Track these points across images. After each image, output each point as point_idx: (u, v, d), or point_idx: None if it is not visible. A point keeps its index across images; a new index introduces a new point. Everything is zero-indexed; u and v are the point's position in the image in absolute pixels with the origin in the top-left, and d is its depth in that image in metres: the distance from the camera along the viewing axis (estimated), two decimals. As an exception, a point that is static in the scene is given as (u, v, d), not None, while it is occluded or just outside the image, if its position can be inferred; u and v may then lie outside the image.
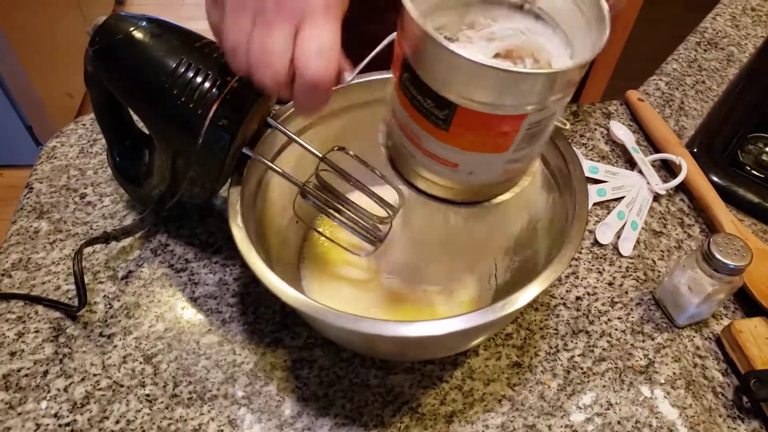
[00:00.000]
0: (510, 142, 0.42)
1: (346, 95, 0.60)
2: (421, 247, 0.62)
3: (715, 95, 0.82)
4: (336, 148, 0.57)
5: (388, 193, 0.58)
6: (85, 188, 0.68)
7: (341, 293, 0.60)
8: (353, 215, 0.57)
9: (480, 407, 0.56)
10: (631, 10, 1.22)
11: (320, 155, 0.56)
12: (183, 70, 0.51)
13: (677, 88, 0.82)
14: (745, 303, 0.64)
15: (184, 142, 0.53)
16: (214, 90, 0.51)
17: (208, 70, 0.52)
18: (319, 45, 0.41)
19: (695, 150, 0.74)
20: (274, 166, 0.55)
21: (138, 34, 0.52)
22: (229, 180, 0.54)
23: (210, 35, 0.54)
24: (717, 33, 0.90)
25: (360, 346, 0.56)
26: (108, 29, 0.53)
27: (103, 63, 0.54)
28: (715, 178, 0.72)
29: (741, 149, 0.91)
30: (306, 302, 0.47)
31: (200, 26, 0.55)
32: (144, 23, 0.53)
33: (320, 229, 0.60)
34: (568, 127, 0.44)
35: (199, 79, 0.51)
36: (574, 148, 0.72)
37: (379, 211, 0.58)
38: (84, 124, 0.73)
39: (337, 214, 0.56)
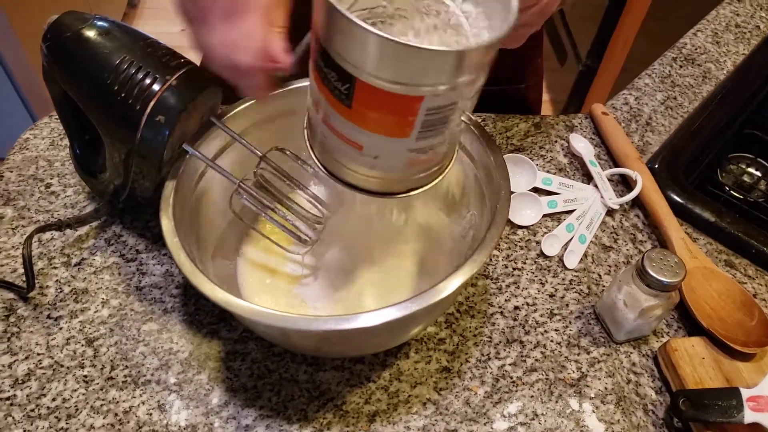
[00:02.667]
0: (410, 128, 0.43)
1: (291, 98, 0.62)
2: (359, 246, 0.64)
3: (686, 112, 0.81)
4: (276, 149, 0.59)
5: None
6: (51, 178, 0.71)
7: (277, 290, 0.61)
8: (288, 214, 0.59)
9: (404, 409, 0.57)
10: (633, 25, 1.22)
11: (260, 154, 0.58)
12: (125, 67, 0.54)
13: (647, 104, 0.82)
14: (689, 322, 0.64)
15: (125, 136, 0.55)
16: (153, 87, 0.54)
17: (149, 68, 0.54)
18: (229, 39, 0.48)
19: (656, 166, 0.74)
20: (209, 161, 0.57)
21: (87, 32, 0.55)
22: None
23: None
24: (696, 49, 0.89)
25: (279, 340, 0.57)
26: (59, 27, 0.56)
27: (54, 59, 0.56)
28: (673, 195, 0.71)
29: (721, 168, 0.90)
30: (208, 286, 0.49)
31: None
32: (96, 22, 0.56)
33: (259, 228, 0.62)
34: (471, 119, 0.45)
35: (139, 76, 0.54)
36: (528, 158, 0.73)
37: (318, 211, 0.60)
38: (57, 118, 0.77)
39: (271, 212, 0.58)
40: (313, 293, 0.61)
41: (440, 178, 0.51)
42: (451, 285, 0.48)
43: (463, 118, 0.45)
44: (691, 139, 0.77)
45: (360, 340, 0.53)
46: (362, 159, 0.47)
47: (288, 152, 0.59)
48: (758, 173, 0.90)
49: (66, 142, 0.75)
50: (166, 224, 0.52)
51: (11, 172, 0.72)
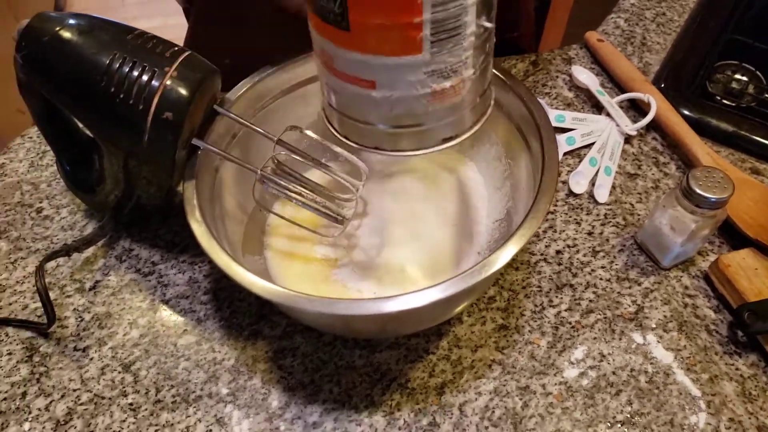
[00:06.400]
0: (419, 34, 0.39)
1: (288, 74, 0.58)
2: (388, 215, 0.61)
3: (678, 26, 0.80)
4: (290, 128, 0.55)
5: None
6: (41, 202, 0.66)
7: (315, 278, 0.58)
8: (316, 196, 0.55)
9: (470, 375, 0.55)
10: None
11: (275, 138, 0.54)
12: (118, 65, 0.49)
13: (637, 24, 0.80)
14: (731, 236, 0.63)
15: (130, 141, 0.50)
16: (153, 82, 0.49)
17: (144, 62, 0.49)
18: None
19: (663, 85, 0.72)
20: (227, 155, 0.53)
21: (66, 33, 0.50)
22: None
23: (152, 30, 0.52)
24: (673, -38, 0.88)
25: (339, 329, 0.54)
26: (33, 32, 0.50)
27: (33, 69, 0.51)
28: (686, 112, 0.70)
29: (709, 79, 0.89)
30: (278, 291, 0.45)
31: (142, 25, 0.53)
32: (71, 21, 0.50)
33: (283, 214, 0.58)
34: (491, 25, 0.41)
35: (135, 73, 0.49)
36: (538, 98, 0.70)
37: (344, 189, 0.57)
38: (30, 137, 0.70)
39: (299, 197, 0.54)
40: (353, 275, 0.58)
41: (483, 119, 0.47)
42: (507, 252, 0.46)
43: (486, 23, 0.41)
44: (689, 54, 0.76)
45: (423, 315, 0.51)
46: (378, 101, 0.43)
47: (305, 132, 0.55)
48: (745, 78, 0.90)
49: (46, 161, 0.69)
50: (198, 229, 0.48)
51: (-6, 203, 0.66)
